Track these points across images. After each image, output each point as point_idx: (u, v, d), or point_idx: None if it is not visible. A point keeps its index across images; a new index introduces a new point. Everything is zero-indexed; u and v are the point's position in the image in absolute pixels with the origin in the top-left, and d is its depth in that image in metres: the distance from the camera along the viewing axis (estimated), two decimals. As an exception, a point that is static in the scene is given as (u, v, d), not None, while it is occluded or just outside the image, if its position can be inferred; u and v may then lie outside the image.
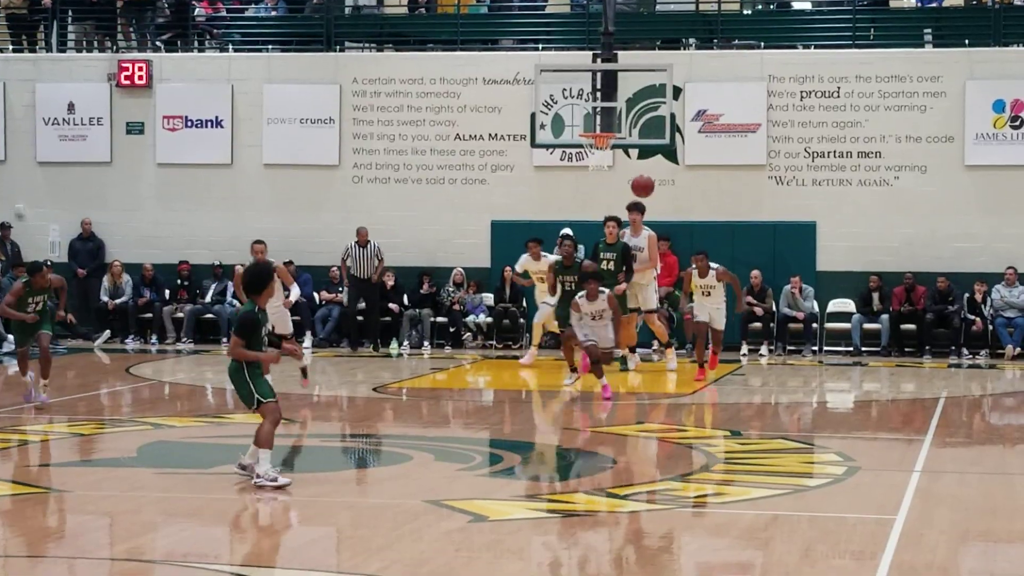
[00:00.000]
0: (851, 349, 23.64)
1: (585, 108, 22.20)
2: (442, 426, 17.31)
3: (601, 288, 15.31)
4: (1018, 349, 22.38)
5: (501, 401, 19.77)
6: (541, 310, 18.67)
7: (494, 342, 23.86)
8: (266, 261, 13.43)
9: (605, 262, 16.38)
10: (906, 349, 23.44)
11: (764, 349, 22.94)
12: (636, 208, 18.03)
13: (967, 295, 23.08)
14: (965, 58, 23.89)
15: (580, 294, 15.18)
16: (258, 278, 10.43)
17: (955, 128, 23.24)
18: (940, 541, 9.81)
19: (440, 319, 23.77)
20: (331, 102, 24.90)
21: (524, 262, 18.77)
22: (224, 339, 21.79)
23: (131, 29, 26.93)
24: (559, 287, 16.61)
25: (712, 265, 16.53)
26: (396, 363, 23.31)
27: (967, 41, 24.45)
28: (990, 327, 22.62)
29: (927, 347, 22.80)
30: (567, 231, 18.18)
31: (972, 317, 22.81)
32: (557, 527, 10.64)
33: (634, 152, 22.84)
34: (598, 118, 20.87)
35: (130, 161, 25.60)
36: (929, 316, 22.67)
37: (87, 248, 24.87)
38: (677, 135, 22.20)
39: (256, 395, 9.89)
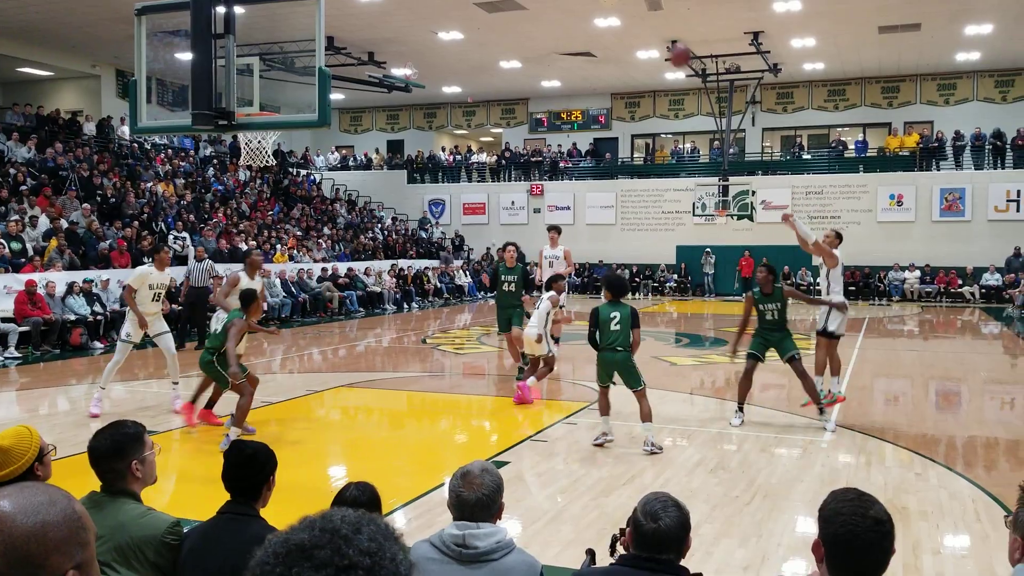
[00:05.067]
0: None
1: (715, 199, 26.96)
2: (660, 327, 22.62)
3: None
4: (896, 297, 27.60)
5: (681, 316, 23.80)
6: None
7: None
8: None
9: (506, 284, 11.63)
10: (850, 298, 25.70)
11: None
12: (554, 228, 14.01)
13: (878, 275, 28.19)
14: (876, 178, 29.02)
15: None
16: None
17: (872, 205, 28.82)
18: (866, 370, 13.30)
19: (654, 285, 30.17)
20: (611, 199, 31.84)
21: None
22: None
23: (541, 177, 33.42)
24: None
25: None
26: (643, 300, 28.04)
27: (877, 169, 29.43)
28: (887, 288, 27.99)
29: (860, 296, 27.51)
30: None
31: (880, 284, 28.17)
32: (707, 368, 14.32)
33: (735, 218, 27.25)
34: (720, 204, 26.81)
35: (536, 223, 31.02)
36: (861, 283, 27.86)
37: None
38: (753, 210, 27.42)
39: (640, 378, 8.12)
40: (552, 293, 10.58)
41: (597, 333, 8.17)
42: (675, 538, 2.69)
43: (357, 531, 1.11)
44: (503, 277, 11.65)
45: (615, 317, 8.11)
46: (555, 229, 14.16)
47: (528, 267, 16.19)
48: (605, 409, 8.33)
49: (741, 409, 9.36)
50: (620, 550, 3.21)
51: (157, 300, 9.86)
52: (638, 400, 8.15)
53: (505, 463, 7.48)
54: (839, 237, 10.05)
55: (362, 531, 1.12)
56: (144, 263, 14.04)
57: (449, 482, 3.01)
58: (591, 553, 3.24)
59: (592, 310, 8.23)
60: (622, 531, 3.25)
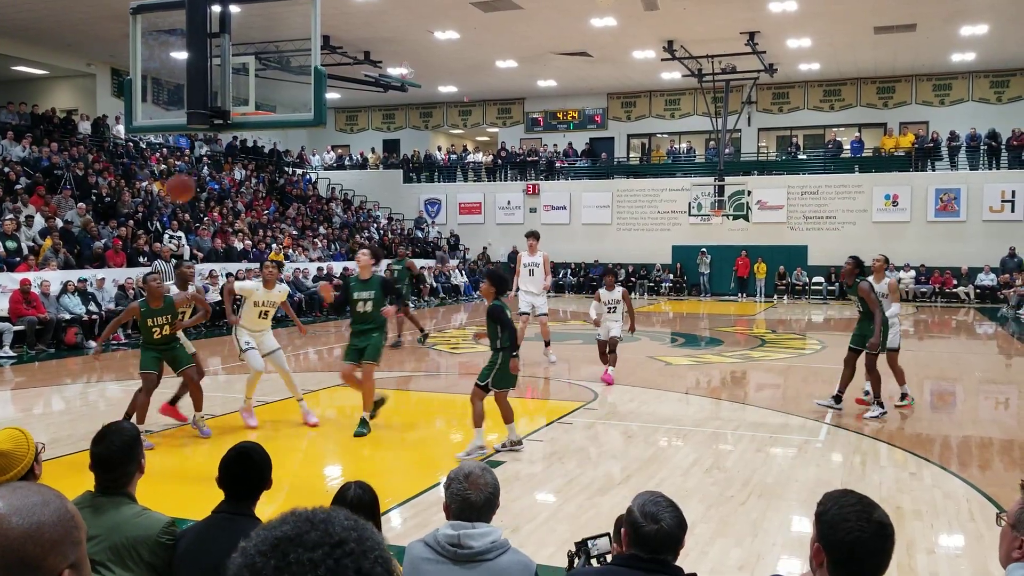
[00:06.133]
0: (822, 296, 28.40)
1: (711, 199, 27.21)
2: (655, 326, 22.23)
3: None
4: (891, 296, 29.19)
5: (677, 316, 23.97)
6: None
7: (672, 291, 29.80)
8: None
9: (361, 303, 8.77)
10: (846, 298, 25.50)
11: (785, 298, 28.49)
12: (532, 235, 13.66)
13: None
14: (870, 178, 29.00)
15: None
16: None
17: (867, 206, 28.78)
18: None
19: (650, 285, 30.26)
20: (607, 199, 31.74)
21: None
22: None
23: (537, 176, 33.37)
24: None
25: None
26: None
27: (873, 169, 29.41)
28: (881, 288, 29.83)
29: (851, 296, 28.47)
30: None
31: (874, 284, 29.82)
32: (702, 367, 14.28)
33: (730, 218, 27.59)
34: (716, 204, 27.04)
35: (532, 223, 30.29)
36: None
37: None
38: (749, 210, 27.55)
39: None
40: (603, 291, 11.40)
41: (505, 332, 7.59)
42: (676, 539, 2.71)
43: (330, 516, 1.15)
44: (355, 295, 8.81)
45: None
46: (533, 236, 13.54)
47: (394, 272, 14.84)
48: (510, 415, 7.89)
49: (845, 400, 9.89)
50: (581, 560, 3.19)
51: (264, 317, 9.43)
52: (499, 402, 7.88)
53: (500, 463, 7.47)
54: (887, 260, 10.67)
55: (333, 516, 1.15)
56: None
57: (450, 485, 2.99)
58: (586, 553, 3.23)
59: (500, 308, 7.67)
60: (579, 546, 3.23)
